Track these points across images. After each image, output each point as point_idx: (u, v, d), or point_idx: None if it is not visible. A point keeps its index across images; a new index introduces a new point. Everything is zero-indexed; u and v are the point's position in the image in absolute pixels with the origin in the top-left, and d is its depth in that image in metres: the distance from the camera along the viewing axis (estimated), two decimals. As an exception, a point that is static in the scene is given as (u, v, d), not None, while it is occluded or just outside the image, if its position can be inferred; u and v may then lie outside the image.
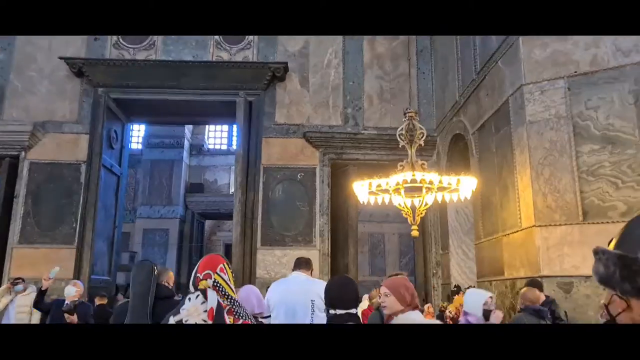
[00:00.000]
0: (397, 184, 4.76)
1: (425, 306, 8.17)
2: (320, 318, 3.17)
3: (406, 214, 5.14)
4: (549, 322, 3.88)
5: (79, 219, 7.77)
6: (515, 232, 5.45)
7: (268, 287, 7.83)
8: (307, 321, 3.27)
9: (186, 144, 15.41)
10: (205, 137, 16.62)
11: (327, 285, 2.20)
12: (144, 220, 14.35)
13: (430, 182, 4.68)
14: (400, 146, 5.30)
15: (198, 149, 16.09)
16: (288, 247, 8.25)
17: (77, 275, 7.49)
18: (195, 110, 9.02)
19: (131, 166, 14.81)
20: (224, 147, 16.58)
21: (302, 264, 3.62)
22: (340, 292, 2.08)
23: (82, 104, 8.39)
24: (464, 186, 4.83)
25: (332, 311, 2.03)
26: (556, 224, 4.93)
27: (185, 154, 15.27)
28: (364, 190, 5.15)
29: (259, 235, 8.23)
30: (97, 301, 5.52)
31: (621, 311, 0.99)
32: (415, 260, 8.94)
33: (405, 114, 5.30)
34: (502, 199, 5.89)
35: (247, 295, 2.82)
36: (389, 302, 2.08)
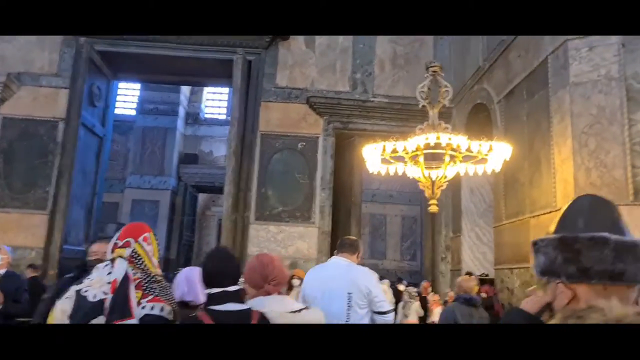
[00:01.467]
0: (418, 148, 3.99)
1: (430, 295, 7.48)
2: (359, 316, 2.63)
3: (423, 186, 4.39)
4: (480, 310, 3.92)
5: (53, 183, 7.00)
6: (548, 213, 4.69)
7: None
8: (342, 320, 2.65)
9: (181, 111, 14.52)
10: (202, 105, 15.68)
11: (203, 260, 1.86)
12: (134, 191, 13.56)
13: (457, 148, 3.90)
14: (420, 106, 4.52)
15: (194, 118, 15.19)
16: (284, 223, 7.54)
17: (47, 244, 6.75)
18: (189, 69, 8.19)
19: (123, 133, 14.05)
20: (222, 116, 15.62)
21: (346, 246, 2.97)
22: (216, 267, 1.75)
23: (62, 55, 7.56)
24: (495, 154, 4.06)
25: (207, 290, 1.74)
26: (601, 204, 4.16)
27: (180, 122, 14.40)
28: (375, 156, 4.38)
29: (253, 209, 7.50)
30: (29, 273, 4.77)
31: (567, 302, 0.90)
32: (423, 243, 8.22)
33: (427, 68, 4.50)
34: (532, 175, 5.12)
35: (179, 279, 2.36)
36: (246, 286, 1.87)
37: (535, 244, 1.00)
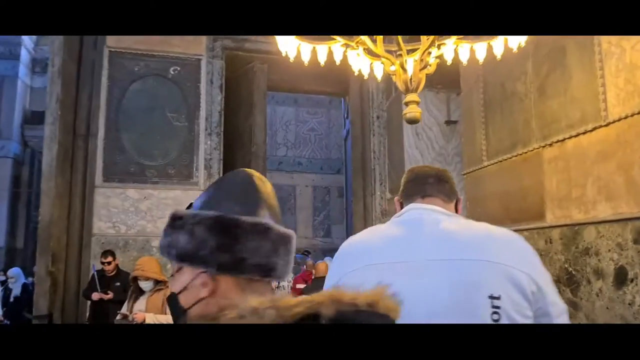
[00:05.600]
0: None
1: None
2: None
3: (393, 74, 2.19)
4: None
5: None
6: (588, 132, 2.74)
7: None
8: None
9: (25, 55, 11.00)
10: (56, 49, 12.27)
11: None
12: (-44, 161, 10.04)
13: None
14: None
15: (44, 66, 11.74)
16: (151, 185, 5.08)
17: None
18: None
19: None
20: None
21: (435, 183, 1.18)
22: None
23: None
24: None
25: None
26: None
27: (23, 70, 10.90)
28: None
29: (100, 164, 4.91)
30: None
31: (206, 296, 0.69)
32: (353, 209, 6.14)
33: None
34: (542, 81, 3.17)
35: None
36: None
37: (177, 218, 0.73)
